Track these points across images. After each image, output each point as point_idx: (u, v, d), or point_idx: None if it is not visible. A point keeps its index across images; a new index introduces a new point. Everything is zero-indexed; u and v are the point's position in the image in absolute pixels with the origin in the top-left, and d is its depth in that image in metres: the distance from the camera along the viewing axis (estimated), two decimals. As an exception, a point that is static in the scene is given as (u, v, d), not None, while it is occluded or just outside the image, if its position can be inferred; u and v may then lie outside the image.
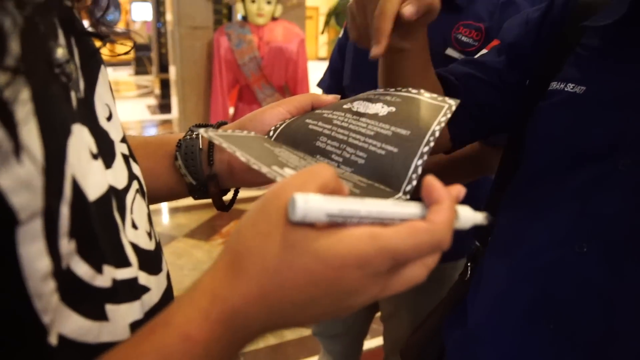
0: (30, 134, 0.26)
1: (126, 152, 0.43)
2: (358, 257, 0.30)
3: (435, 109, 0.47)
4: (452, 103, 0.48)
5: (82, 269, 0.31)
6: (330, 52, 1.42)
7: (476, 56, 0.86)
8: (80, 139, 0.32)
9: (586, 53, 0.71)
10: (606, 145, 0.65)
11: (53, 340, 0.29)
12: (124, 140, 0.43)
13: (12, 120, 0.25)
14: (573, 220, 0.67)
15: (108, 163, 0.37)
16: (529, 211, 0.74)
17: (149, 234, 0.42)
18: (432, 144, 0.44)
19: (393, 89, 0.53)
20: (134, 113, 7.13)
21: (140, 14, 9.55)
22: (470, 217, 0.36)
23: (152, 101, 7.84)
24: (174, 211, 3.56)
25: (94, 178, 0.33)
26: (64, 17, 0.34)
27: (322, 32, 6.79)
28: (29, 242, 0.26)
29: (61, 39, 0.34)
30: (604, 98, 0.66)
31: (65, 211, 0.29)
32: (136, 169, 0.44)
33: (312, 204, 0.30)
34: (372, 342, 2.20)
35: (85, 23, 0.39)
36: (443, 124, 0.45)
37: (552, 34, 0.77)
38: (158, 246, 0.44)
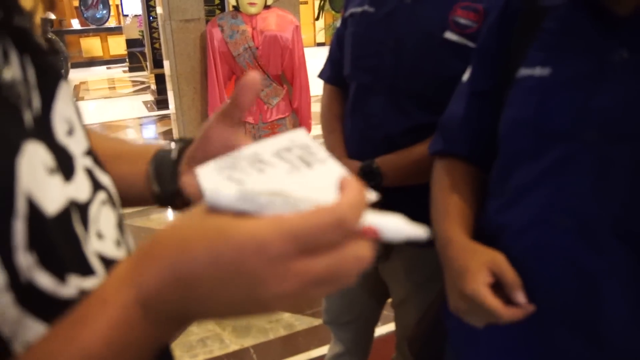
0: None
1: (90, 164, 0.43)
2: (256, 241, 0.29)
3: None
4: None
5: (44, 280, 0.32)
6: (328, 36, 1.39)
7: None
8: (34, 156, 0.33)
9: (548, 36, 0.74)
10: (572, 122, 0.67)
11: (19, 349, 0.31)
12: (88, 152, 0.43)
13: None
14: (549, 199, 0.69)
15: (67, 177, 0.38)
16: (508, 197, 0.76)
17: (118, 242, 0.43)
18: None
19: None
20: (131, 110, 7.10)
21: (131, 8, 9.44)
22: (400, 227, 0.31)
23: (149, 97, 7.80)
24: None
25: (51, 193, 0.34)
26: (18, 37, 0.35)
27: (317, 19, 6.71)
28: None
29: (14, 60, 0.35)
30: (567, 78, 0.69)
31: (20, 226, 0.30)
32: (104, 180, 0.44)
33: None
34: (383, 329, 2.20)
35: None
36: None
37: (513, 25, 0.80)
38: (129, 254, 0.44)
